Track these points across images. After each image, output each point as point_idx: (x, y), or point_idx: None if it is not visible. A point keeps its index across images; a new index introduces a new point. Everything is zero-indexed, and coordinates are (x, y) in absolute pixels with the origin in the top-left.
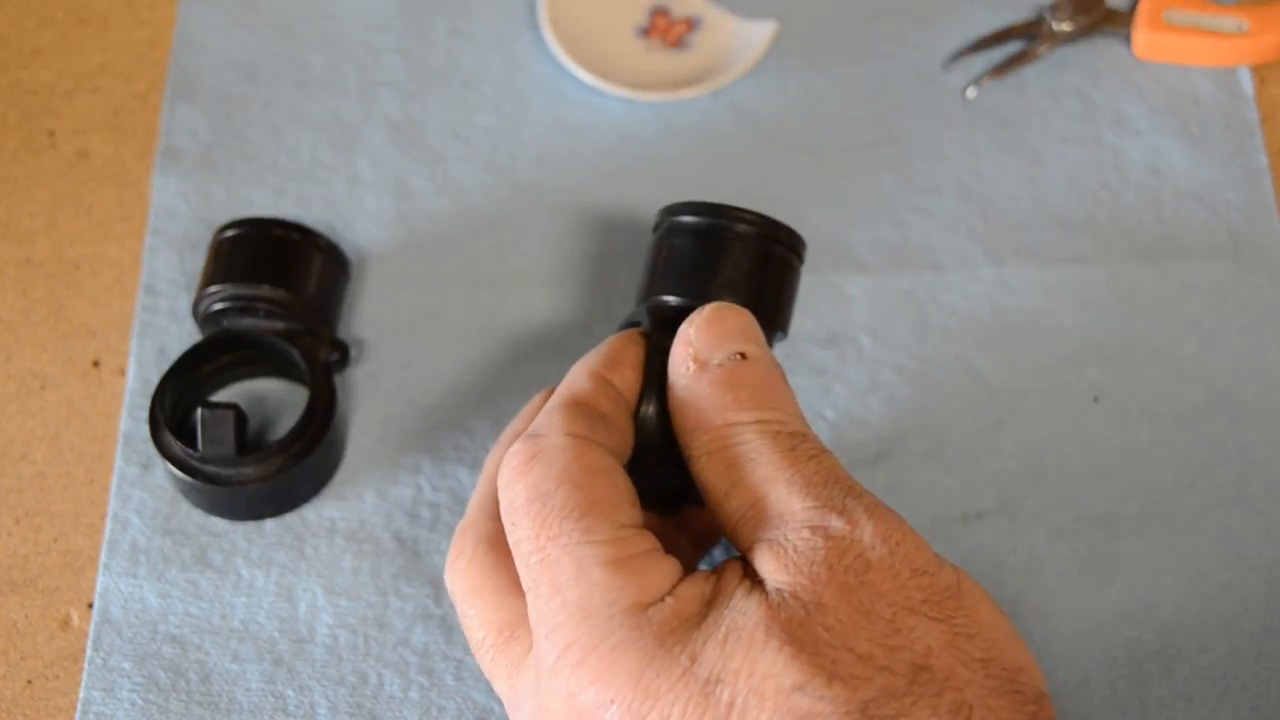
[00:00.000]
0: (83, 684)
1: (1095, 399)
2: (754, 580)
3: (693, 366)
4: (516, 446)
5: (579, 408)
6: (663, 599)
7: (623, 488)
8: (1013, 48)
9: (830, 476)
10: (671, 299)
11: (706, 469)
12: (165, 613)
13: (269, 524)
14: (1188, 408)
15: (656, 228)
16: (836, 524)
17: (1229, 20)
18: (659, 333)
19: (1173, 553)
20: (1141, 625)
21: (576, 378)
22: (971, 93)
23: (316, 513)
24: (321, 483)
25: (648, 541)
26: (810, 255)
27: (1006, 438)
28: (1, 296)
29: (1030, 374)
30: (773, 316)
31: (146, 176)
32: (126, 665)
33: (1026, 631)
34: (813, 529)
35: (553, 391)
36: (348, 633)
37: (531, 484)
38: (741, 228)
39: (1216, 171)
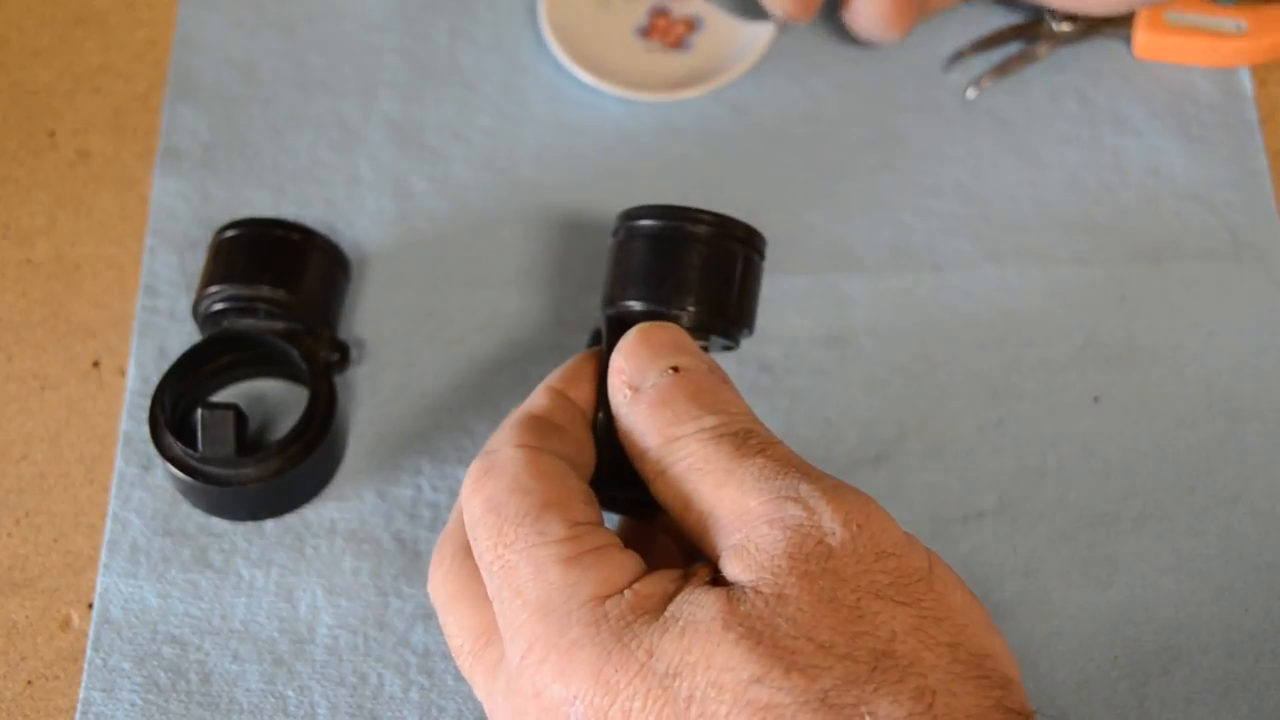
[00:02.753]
0: (83, 684)
1: (1095, 399)
2: (719, 580)
3: (628, 394)
4: (473, 464)
5: (530, 421)
6: (621, 592)
7: (575, 488)
8: (1013, 48)
9: (781, 467)
10: (633, 304)
11: (661, 490)
12: (165, 613)
13: (269, 524)
14: (1188, 408)
15: (615, 233)
16: (793, 512)
17: (1228, 21)
18: (618, 340)
19: (1173, 553)
20: (1141, 625)
21: (533, 394)
22: (971, 93)
23: (316, 513)
24: (321, 483)
25: (604, 537)
26: (810, 255)
27: (1006, 438)
28: (1, 296)
29: (1030, 374)
30: (737, 315)
31: (146, 176)
32: (126, 665)
33: (1027, 631)
34: (770, 522)
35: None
36: (348, 633)
37: (486, 497)
38: (695, 228)
39: (1216, 171)
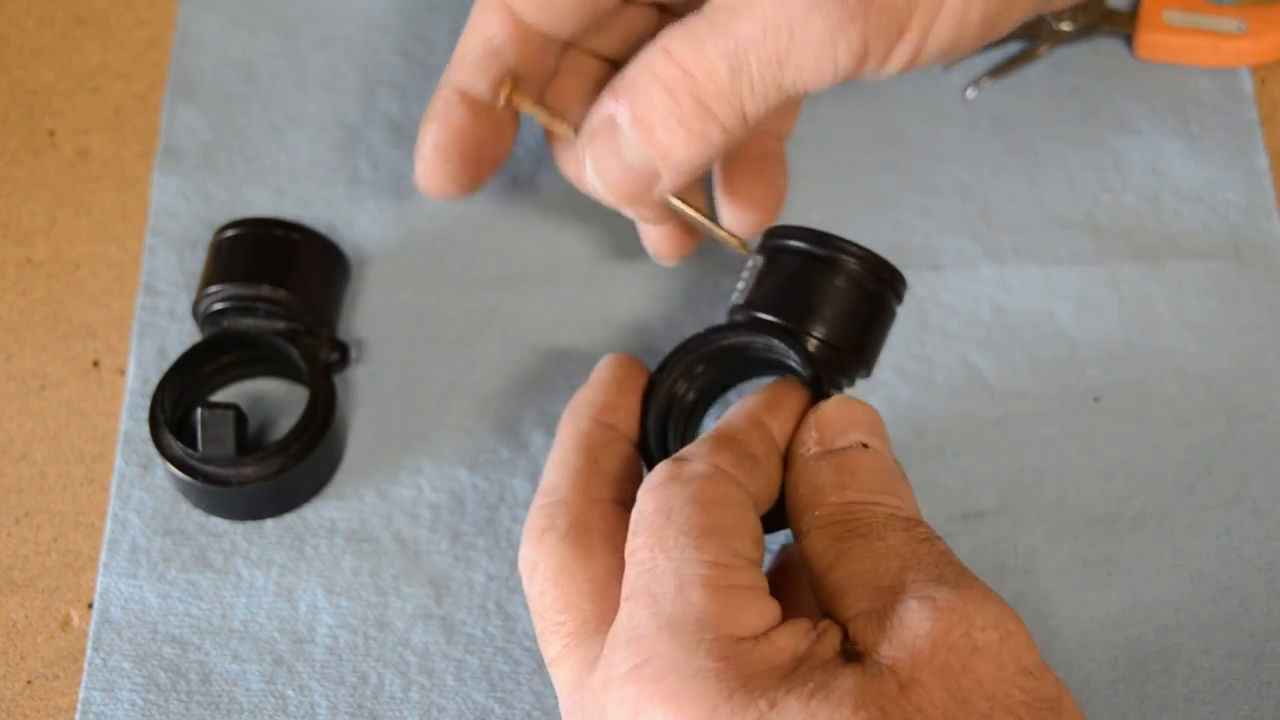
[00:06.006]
0: (83, 684)
1: (1095, 399)
2: (852, 649)
3: (815, 449)
4: (660, 465)
5: (729, 443)
6: (756, 639)
7: (749, 524)
8: (1013, 48)
9: (944, 559)
10: (765, 315)
11: (815, 542)
12: (165, 613)
13: (269, 524)
14: (1188, 408)
15: (765, 242)
16: (947, 596)
17: (1229, 20)
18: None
19: (1173, 553)
20: (1141, 625)
21: (734, 415)
22: (971, 93)
23: (316, 513)
24: (321, 483)
25: (757, 578)
26: None
27: (1006, 438)
28: (1, 296)
29: (1030, 374)
30: (856, 352)
31: (146, 176)
32: (126, 665)
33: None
34: (921, 600)
35: (624, 356)
36: (348, 633)
37: (663, 498)
38: (845, 259)
39: (1216, 171)
